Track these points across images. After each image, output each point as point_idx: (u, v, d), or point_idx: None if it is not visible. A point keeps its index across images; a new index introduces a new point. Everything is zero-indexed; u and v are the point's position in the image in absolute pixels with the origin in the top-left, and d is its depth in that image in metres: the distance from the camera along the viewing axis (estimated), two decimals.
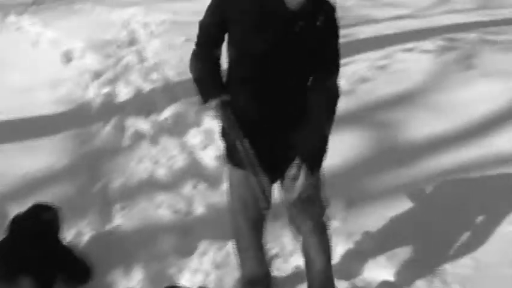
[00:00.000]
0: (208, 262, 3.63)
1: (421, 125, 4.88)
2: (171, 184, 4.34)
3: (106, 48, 6.10)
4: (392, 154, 4.58)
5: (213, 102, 2.79)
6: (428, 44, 6.03)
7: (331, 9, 2.65)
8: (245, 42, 2.67)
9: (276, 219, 3.64)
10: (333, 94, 2.76)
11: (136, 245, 3.78)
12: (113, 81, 5.56)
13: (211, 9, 2.76)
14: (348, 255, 3.61)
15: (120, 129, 4.89)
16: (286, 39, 2.60)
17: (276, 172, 2.91)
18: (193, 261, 3.66)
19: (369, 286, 3.39)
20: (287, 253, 3.72)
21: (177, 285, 3.37)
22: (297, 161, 2.74)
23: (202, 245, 3.76)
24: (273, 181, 2.98)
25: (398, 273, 3.50)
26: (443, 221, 3.91)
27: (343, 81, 5.08)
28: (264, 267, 3.28)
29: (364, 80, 5.44)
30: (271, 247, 3.56)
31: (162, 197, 4.20)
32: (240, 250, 3.20)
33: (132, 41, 6.30)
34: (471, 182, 4.22)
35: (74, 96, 5.36)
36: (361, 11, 7.80)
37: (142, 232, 3.87)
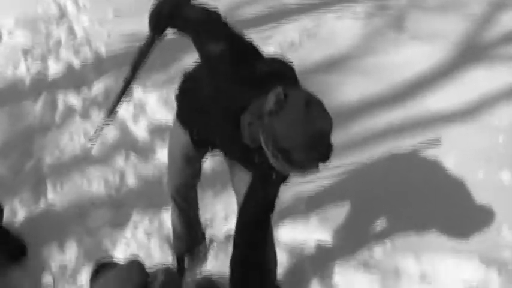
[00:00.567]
0: (142, 233, 3.67)
1: (353, 88, 4.95)
2: (103, 158, 4.33)
3: (36, 24, 5.96)
4: None
5: None
6: (358, 8, 6.08)
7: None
8: None
9: (207, 189, 3.70)
10: None
11: (69, 220, 3.79)
12: (44, 58, 5.45)
13: None
14: (280, 221, 3.66)
15: (52, 105, 4.83)
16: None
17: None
18: (127, 233, 3.69)
19: (300, 248, 3.44)
20: (220, 220, 3.76)
21: (110, 257, 3.38)
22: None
23: (135, 217, 3.80)
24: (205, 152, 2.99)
25: (331, 235, 3.58)
26: (378, 182, 4.02)
27: (273, 48, 5.14)
28: (194, 225, 3.37)
29: (294, 46, 5.48)
30: (203, 215, 3.58)
31: (94, 171, 4.19)
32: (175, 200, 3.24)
33: (61, 16, 6.17)
34: (404, 141, 4.32)
35: (5, 74, 5.24)
36: None
37: (75, 207, 3.88)
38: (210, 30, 2.49)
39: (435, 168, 4.09)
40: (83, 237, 3.65)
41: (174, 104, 2.92)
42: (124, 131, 4.59)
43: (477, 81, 4.95)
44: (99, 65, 5.31)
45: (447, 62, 5.25)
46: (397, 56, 5.42)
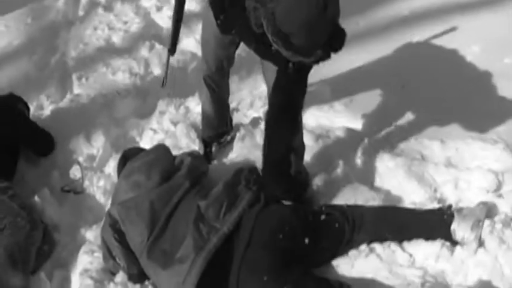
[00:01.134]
0: (168, 121, 3.60)
1: None
2: (128, 48, 4.26)
3: None
4: None
5: None
6: None
7: None
8: None
9: (233, 75, 3.57)
10: None
11: (96, 112, 3.75)
12: None
13: None
14: (306, 107, 3.54)
15: None
16: None
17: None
18: (153, 122, 3.63)
19: (327, 134, 3.35)
20: (246, 106, 3.67)
21: (137, 147, 3.35)
22: None
23: (161, 105, 3.72)
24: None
25: (357, 121, 3.47)
26: (404, 70, 3.85)
27: None
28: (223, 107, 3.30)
29: None
30: (230, 100, 3.48)
31: (119, 62, 4.13)
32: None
33: None
34: (427, 30, 4.12)
35: None
36: None
37: (101, 98, 3.84)
38: None
39: (460, 57, 3.87)
40: (110, 128, 3.62)
41: None
42: (148, 21, 4.49)
43: None
44: None
45: None
46: None
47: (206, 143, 3.37)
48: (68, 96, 3.93)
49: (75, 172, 3.32)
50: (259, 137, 3.33)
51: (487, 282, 2.43)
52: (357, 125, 3.42)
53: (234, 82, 3.65)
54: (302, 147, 2.89)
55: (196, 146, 3.36)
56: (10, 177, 3.20)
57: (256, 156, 3.09)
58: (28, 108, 3.63)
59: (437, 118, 3.35)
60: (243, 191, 2.66)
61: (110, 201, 2.98)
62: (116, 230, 2.61)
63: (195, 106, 3.61)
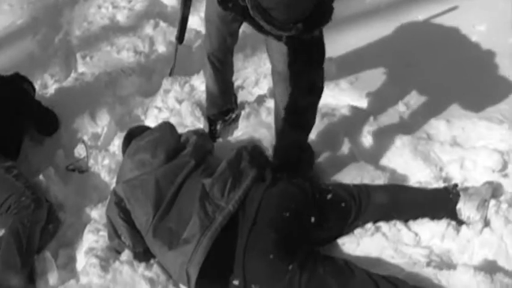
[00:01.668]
0: (172, 99, 3.59)
1: None
2: (132, 26, 4.24)
3: None
4: None
5: None
6: None
7: None
8: None
9: (238, 53, 3.55)
10: None
11: (100, 90, 3.74)
12: None
13: None
14: None
15: None
16: None
17: None
18: (157, 100, 3.61)
19: (332, 112, 3.33)
20: (250, 84, 3.65)
21: (143, 125, 3.34)
22: None
23: (165, 84, 3.70)
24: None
25: (362, 99, 3.45)
26: (409, 49, 3.82)
27: None
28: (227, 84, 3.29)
29: None
30: (235, 78, 3.46)
31: (123, 40, 4.12)
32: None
33: None
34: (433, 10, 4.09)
35: None
36: None
37: (105, 77, 3.82)
38: None
39: (466, 36, 3.85)
40: (115, 106, 3.60)
41: None
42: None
43: None
44: None
45: None
46: None
47: (211, 121, 3.36)
48: (73, 75, 3.91)
49: (79, 151, 3.31)
50: (264, 114, 3.32)
51: (492, 262, 2.43)
52: (363, 103, 3.40)
53: (238, 60, 3.65)
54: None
55: (201, 124, 3.35)
56: (15, 157, 3.20)
57: (261, 134, 3.10)
58: (34, 89, 3.62)
59: (442, 97, 3.33)
60: (247, 167, 2.64)
61: (114, 180, 2.98)
62: (121, 209, 2.61)
63: (200, 84, 3.60)
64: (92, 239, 2.76)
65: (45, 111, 3.52)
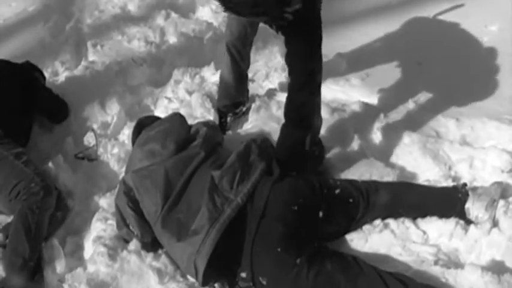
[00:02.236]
0: (183, 90, 3.58)
1: None
2: (143, 16, 4.24)
3: None
4: None
5: None
6: None
7: None
8: None
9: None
10: None
11: (110, 79, 3.74)
12: None
13: None
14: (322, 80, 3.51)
15: None
16: None
17: None
18: (168, 91, 3.61)
19: (342, 107, 3.33)
20: (261, 77, 3.65)
21: (153, 115, 3.34)
22: None
23: (176, 74, 3.70)
24: None
25: (373, 96, 3.45)
26: (420, 46, 3.83)
27: None
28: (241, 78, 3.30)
29: None
30: None
31: (134, 30, 4.11)
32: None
33: None
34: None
35: None
36: None
37: (116, 66, 3.82)
38: None
39: (478, 35, 3.86)
40: (125, 95, 3.60)
41: None
42: None
43: None
44: None
45: None
46: None
47: (221, 113, 3.36)
48: (83, 63, 3.91)
49: (89, 139, 3.32)
50: (274, 108, 3.32)
51: (500, 262, 2.43)
52: (373, 99, 3.40)
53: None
54: (319, 120, 2.87)
55: (211, 116, 3.35)
56: (24, 143, 3.21)
57: (271, 127, 3.09)
58: (44, 78, 3.62)
59: (453, 96, 3.33)
60: (257, 160, 2.64)
61: (123, 169, 2.98)
62: (130, 198, 2.61)
63: (211, 76, 3.60)
64: (100, 228, 2.76)
65: (55, 98, 3.52)
